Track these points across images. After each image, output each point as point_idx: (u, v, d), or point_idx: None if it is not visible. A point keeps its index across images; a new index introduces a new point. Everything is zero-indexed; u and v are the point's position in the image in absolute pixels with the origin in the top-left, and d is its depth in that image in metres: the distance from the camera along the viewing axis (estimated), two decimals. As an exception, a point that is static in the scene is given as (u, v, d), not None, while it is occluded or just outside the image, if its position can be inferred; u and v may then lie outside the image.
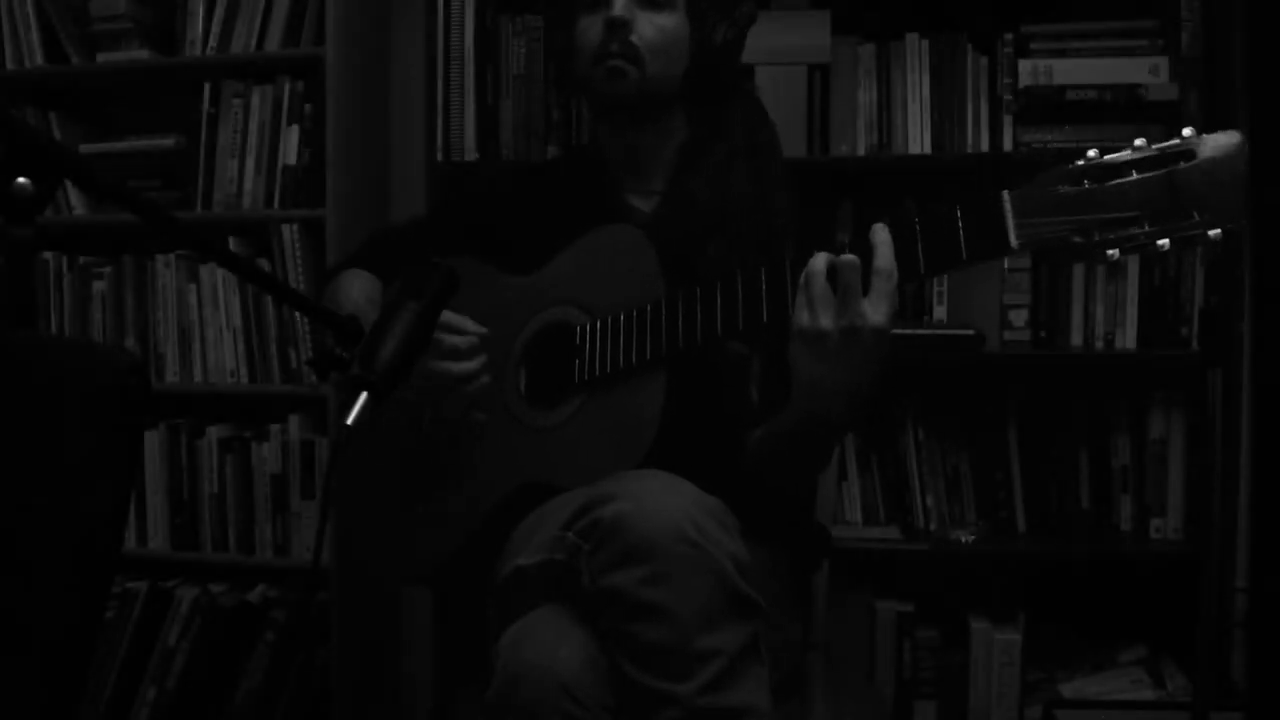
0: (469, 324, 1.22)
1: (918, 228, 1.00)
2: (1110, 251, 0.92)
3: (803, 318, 1.00)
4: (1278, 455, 0.43)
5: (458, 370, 1.21)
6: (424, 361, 1.18)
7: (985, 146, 1.86)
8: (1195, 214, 0.89)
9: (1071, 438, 1.90)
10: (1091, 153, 0.93)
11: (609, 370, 1.16)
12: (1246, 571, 1.87)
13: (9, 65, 2.07)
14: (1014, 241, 0.94)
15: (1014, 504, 1.92)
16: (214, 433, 2.03)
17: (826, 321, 0.99)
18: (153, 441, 2.03)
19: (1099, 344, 1.84)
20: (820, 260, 1.00)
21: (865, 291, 0.98)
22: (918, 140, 1.87)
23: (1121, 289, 1.83)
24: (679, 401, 1.13)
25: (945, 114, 1.87)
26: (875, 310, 0.97)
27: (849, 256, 0.98)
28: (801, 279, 1.01)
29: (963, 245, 0.97)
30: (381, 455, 1.35)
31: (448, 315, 1.20)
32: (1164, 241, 0.90)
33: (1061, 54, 1.83)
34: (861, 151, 1.88)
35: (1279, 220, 0.42)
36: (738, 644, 0.94)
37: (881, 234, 0.99)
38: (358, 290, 1.33)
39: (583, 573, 0.97)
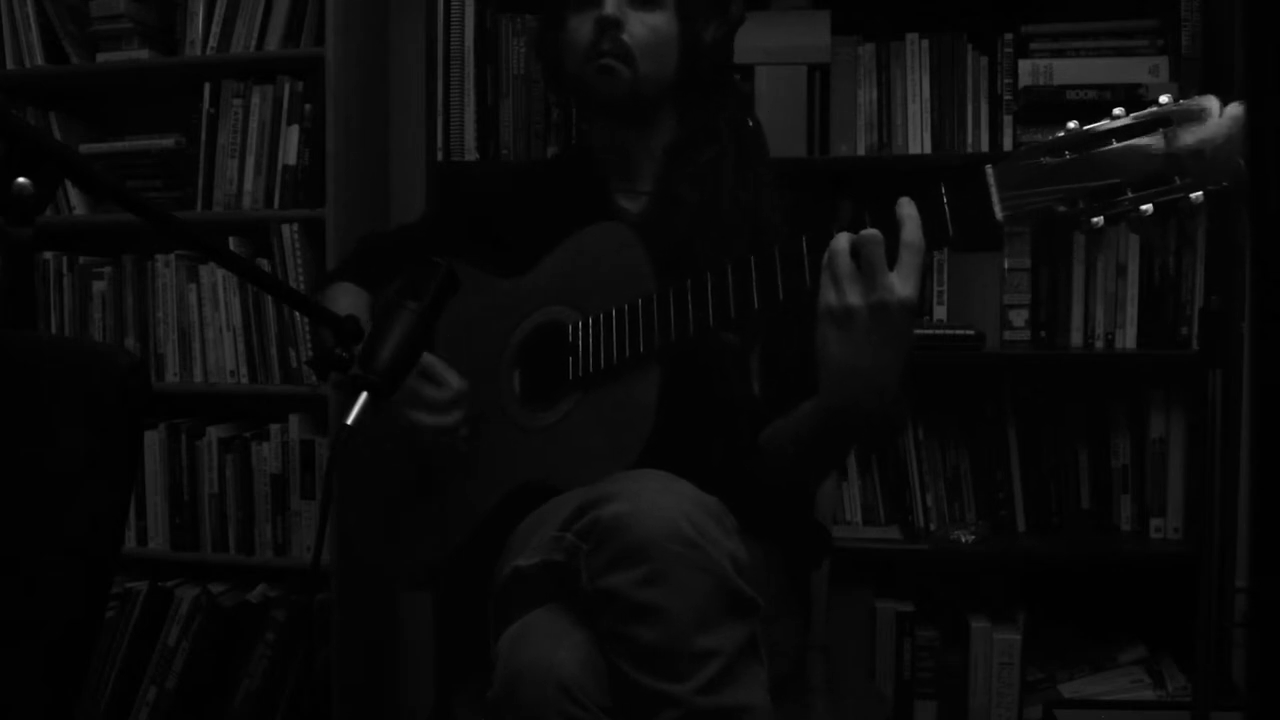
0: (451, 377, 1.22)
1: None
2: (1095, 219, 0.92)
3: (829, 296, 0.98)
4: (1278, 455, 0.43)
5: (431, 423, 1.21)
6: (398, 406, 1.19)
7: (985, 146, 1.86)
8: (1176, 178, 0.90)
9: (1071, 437, 1.90)
10: (1072, 124, 0.94)
11: (602, 367, 1.16)
12: (1246, 571, 1.87)
13: (9, 65, 2.07)
14: (999, 213, 0.95)
15: (1014, 504, 1.92)
16: (214, 433, 2.03)
17: (855, 298, 0.97)
18: (153, 441, 2.03)
19: (1099, 344, 1.84)
20: (843, 238, 0.98)
21: (891, 266, 0.96)
22: (918, 140, 1.87)
23: (1121, 289, 1.83)
24: (674, 396, 1.12)
25: (945, 114, 1.87)
26: (904, 284, 0.95)
27: (873, 231, 0.96)
28: (825, 258, 0.99)
29: (949, 220, 0.97)
30: (381, 455, 1.35)
31: (431, 362, 1.21)
32: (1147, 207, 0.90)
33: (1061, 54, 1.83)
34: (861, 151, 1.88)
35: (1279, 220, 0.42)
36: (736, 644, 0.94)
37: (908, 208, 0.97)
38: (345, 306, 1.33)
39: (581, 573, 0.97)
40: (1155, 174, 0.90)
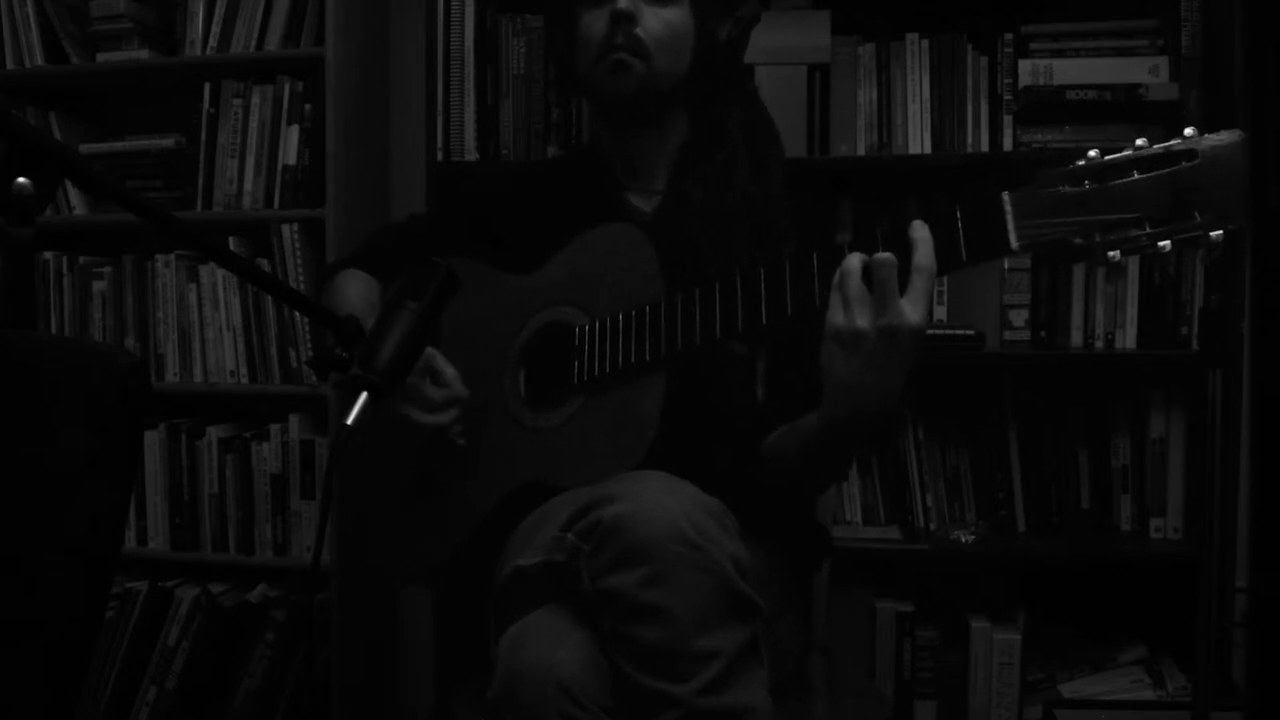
0: (452, 377, 1.22)
1: None
2: (1111, 253, 0.91)
3: (837, 318, 0.97)
4: (1278, 455, 0.43)
5: (426, 421, 1.21)
6: (395, 403, 1.19)
7: (985, 146, 1.86)
8: (1197, 214, 0.88)
9: (1071, 438, 1.90)
10: (1093, 153, 0.92)
11: (608, 370, 1.16)
12: (1246, 571, 1.87)
13: (9, 65, 2.07)
14: (1014, 243, 0.93)
15: (1014, 504, 1.92)
16: (214, 433, 2.03)
17: (863, 322, 0.96)
18: (153, 441, 2.03)
19: (1099, 344, 1.84)
20: (855, 260, 0.97)
21: (902, 290, 0.95)
22: (918, 140, 1.87)
23: (1121, 289, 1.83)
24: (678, 401, 1.12)
25: (945, 114, 1.87)
26: (914, 309, 0.95)
27: (886, 255, 0.95)
28: (835, 278, 0.98)
29: (963, 246, 0.96)
30: (381, 455, 1.35)
31: (436, 361, 1.21)
32: (1165, 243, 0.89)
33: (1061, 54, 1.83)
34: (861, 151, 1.88)
35: (1279, 220, 0.42)
36: (737, 644, 0.94)
37: (921, 230, 0.96)
38: (354, 292, 1.33)
39: (582, 574, 0.97)
40: (1175, 209, 0.88)
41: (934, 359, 1.81)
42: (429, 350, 1.20)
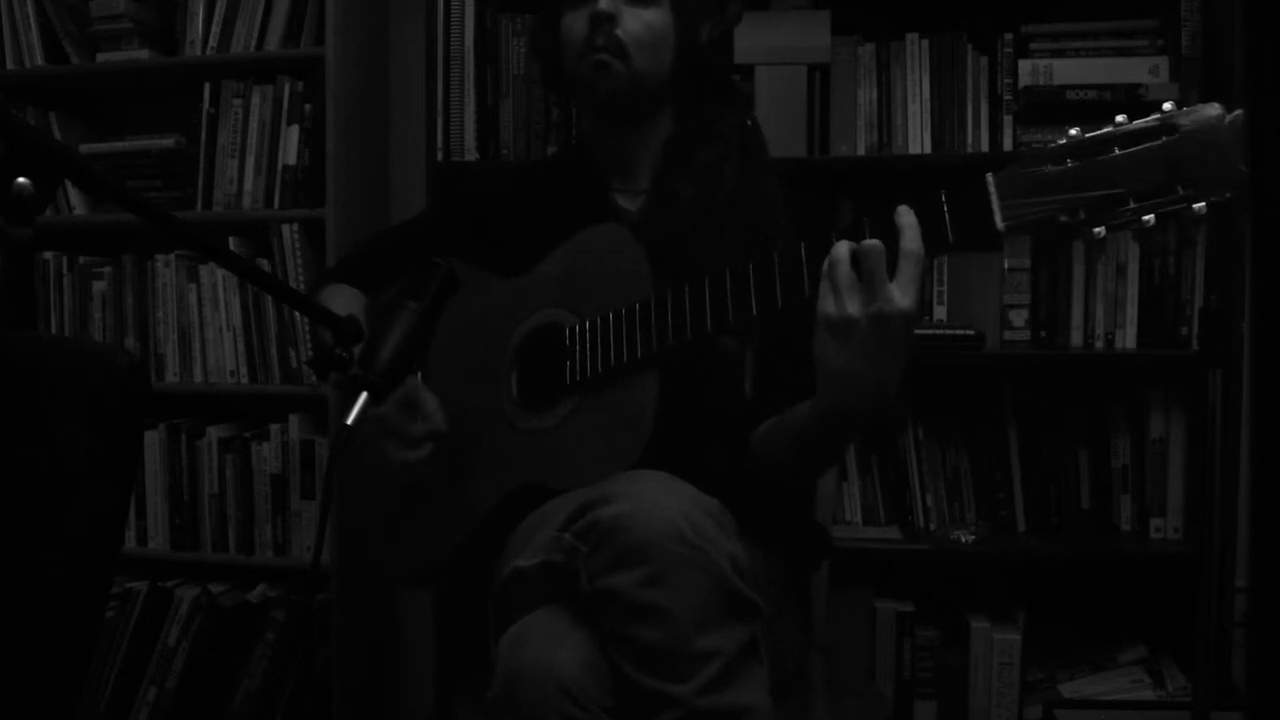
0: (432, 409, 1.21)
1: None
2: (1097, 229, 0.91)
3: (828, 306, 0.97)
4: (1278, 455, 0.43)
5: (396, 457, 1.21)
6: (373, 433, 1.20)
7: (985, 146, 1.86)
8: (1179, 188, 0.89)
9: (1071, 438, 1.90)
10: (1074, 131, 0.93)
11: (600, 370, 1.16)
12: (1246, 571, 1.87)
13: (9, 65, 2.07)
14: (1000, 223, 0.94)
15: (1014, 504, 1.92)
16: (214, 433, 2.03)
17: (854, 308, 0.95)
18: (153, 441, 2.03)
19: (1099, 344, 1.84)
20: (843, 247, 0.97)
21: (891, 276, 0.95)
22: (918, 140, 1.87)
23: (1121, 289, 1.83)
24: (672, 399, 1.12)
25: (945, 114, 1.87)
26: (904, 295, 0.94)
27: (874, 241, 0.95)
28: (825, 266, 0.98)
29: (949, 229, 0.96)
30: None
31: (418, 392, 1.20)
32: (1149, 217, 0.90)
33: (1061, 54, 1.83)
34: (861, 151, 1.88)
35: (1279, 220, 0.42)
36: (736, 644, 0.94)
37: (907, 216, 0.96)
38: (339, 307, 1.33)
39: (581, 574, 0.97)
40: (1157, 183, 0.89)
41: (934, 359, 1.82)
42: (411, 380, 1.19)
